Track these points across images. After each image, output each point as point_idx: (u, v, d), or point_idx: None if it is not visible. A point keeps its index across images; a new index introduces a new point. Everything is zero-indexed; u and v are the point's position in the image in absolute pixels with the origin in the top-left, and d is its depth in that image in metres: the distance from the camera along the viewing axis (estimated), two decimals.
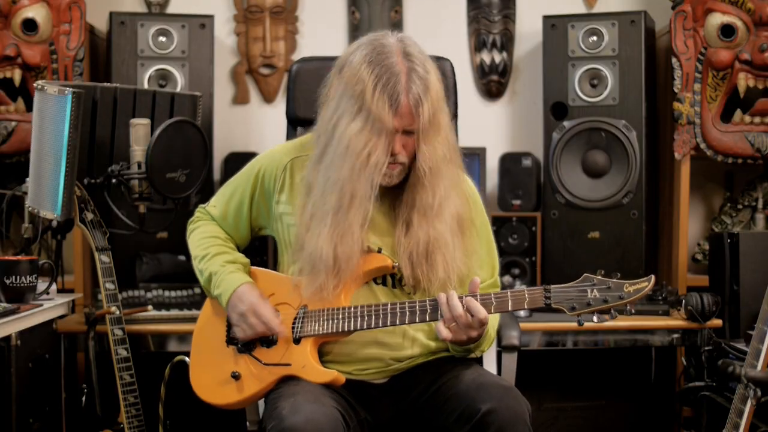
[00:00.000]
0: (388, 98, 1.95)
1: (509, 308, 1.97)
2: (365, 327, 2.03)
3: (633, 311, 1.93)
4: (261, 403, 2.21)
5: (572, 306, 1.92)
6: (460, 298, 1.95)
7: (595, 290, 1.92)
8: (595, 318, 1.94)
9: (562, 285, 1.94)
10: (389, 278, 2.11)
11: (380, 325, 2.02)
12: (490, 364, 2.30)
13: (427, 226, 2.04)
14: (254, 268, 2.23)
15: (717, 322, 2.92)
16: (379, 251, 2.08)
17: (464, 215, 2.11)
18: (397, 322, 2.01)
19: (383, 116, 1.95)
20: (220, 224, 2.28)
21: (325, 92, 2.11)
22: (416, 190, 2.05)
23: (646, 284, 1.90)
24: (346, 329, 2.04)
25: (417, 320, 2.01)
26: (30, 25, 3.18)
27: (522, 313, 2.94)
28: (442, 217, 2.05)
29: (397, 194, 2.09)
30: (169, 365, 2.58)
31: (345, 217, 2.00)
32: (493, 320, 2.10)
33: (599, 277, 1.93)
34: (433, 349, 2.15)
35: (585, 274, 1.95)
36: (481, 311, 1.94)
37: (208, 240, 2.25)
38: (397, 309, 2.01)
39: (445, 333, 1.95)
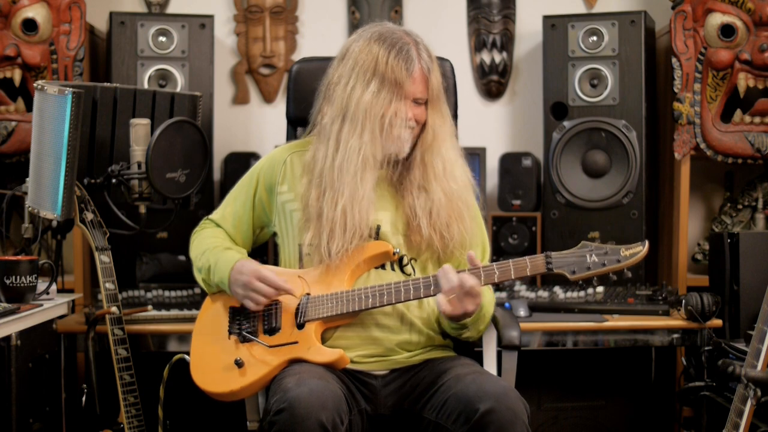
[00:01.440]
0: (404, 62, 2.07)
1: (512, 276, 2.02)
2: (369, 306, 2.06)
3: (630, 274, 2.02)
4: (262, 402, 2.21)
5: (573, 270, 2.00)
6: (459, 271, 2.00)
7: (593, 255, 2.00)
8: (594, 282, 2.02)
9: (562, 252, 2.02)
10: (389, 262, 2.15)
11: (384, 303, 2.05)
12: (490, 364, 2.30)
13: (445, 184, 2.14)
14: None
15: (717, 322, 2.91)
16: (378, 228, 2.12)
17: (468, 183, 2.20)
18: (402, 299, 2.06)
19: (401, 79, 2.06)
20: (223, 227, 2.31)
21: (325, 83, 2.18)
22: (426, 155, 2.14)
23: (641, 248, 1.99)
24: (350, 310, 2.07)
25: (422, 295, 2.05)
26: (30, 25, 3.18)
27: (522, 312, 2.94)
28: (455, 178, 2.16)
29: (398, 171, 2.16)
30: (168, 366, 2.58)
31: (362, 180, 2.08)
32: (489, 299, 2.15)
33: (596, 244, 2.02)
34: (433, 338, 2.18)
35: (583, 242, 2.04)
36: (469, 279, 1.98)
37: (207, 240, 2.29)
38: (401, 287, 2.05)
39: (445, 305, 2.00)
